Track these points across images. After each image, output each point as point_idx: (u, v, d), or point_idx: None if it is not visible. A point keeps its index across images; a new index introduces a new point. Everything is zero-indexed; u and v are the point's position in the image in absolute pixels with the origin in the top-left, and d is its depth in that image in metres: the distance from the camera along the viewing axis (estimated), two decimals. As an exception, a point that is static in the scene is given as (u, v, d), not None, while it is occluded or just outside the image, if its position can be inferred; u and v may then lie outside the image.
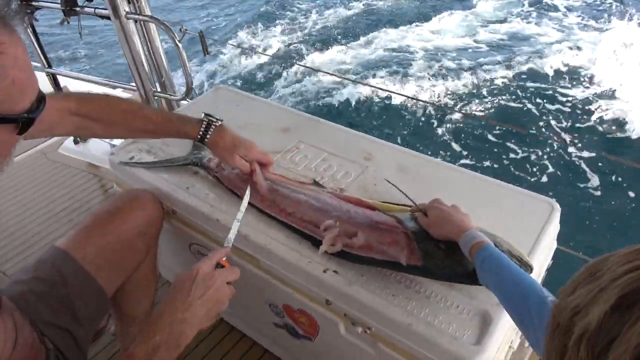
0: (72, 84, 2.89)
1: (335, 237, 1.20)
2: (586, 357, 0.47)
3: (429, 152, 5.89)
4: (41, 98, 0.83)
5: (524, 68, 7.66)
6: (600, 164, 5.43)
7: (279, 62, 8.45)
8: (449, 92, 7.30)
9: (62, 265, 1.21)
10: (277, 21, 10.36)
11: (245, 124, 1.68)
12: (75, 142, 2.88)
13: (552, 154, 5.80)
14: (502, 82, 7.35)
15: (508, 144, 6.06)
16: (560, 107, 6.73)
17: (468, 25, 9.66)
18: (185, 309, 0.94)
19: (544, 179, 5.48)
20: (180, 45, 2.09)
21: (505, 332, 1.07)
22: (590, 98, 6.83)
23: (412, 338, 1.06)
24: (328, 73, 8.04)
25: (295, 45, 9.32)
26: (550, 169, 5.62)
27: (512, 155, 5.90)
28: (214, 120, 1.34)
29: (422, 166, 1.51)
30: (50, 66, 2.62)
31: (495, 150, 6.02)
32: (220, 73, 8.47)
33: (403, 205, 1.27)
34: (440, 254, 1.10)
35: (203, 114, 1.35)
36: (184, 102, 2.34)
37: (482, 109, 6.89)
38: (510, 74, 7.54)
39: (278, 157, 1.55)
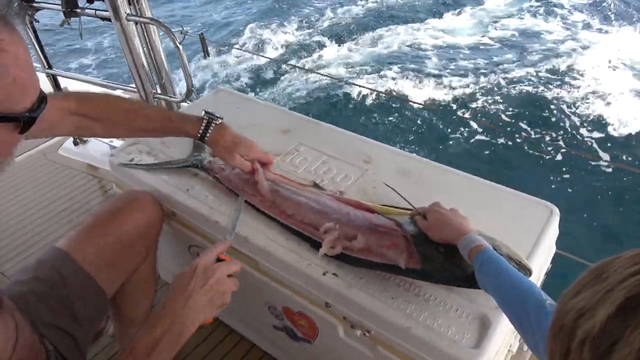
0: (72, 85, 2.89)
1: (334, 240, 1.20)
2: (589, 359, 0.47)
3: (429, 155, 5.90)
4: (42, 97, 0.83)
5: (526, 71, 7.68)
6: (600, 169, 5.44)
7: (279, 65, 8.47)
8: (448, 95, 7.31)
9: (62, 266, 1.21)
10: (278, 22, 10.38)
11: (246, 126, 1.68)
12: (75, 143, 2.88)
13: (552, 158, 5.81)
14: (503, 85, 7.36)
15: (508, 147, 6.07)
16: (561, 110, 6.74)
17: (475, 22, 9.67)
18: (185, 301, 0.96)
19: (544, 182, 5.48)
20: (180, 47, 2.10)
21: (505, 335, 1.07)
22: (593, 102, 6.83)
23: (411, 341, 1.06)
24: (328, 76, 8.05)
25: (296, 46, 9.34)
26: (550, 173, 5.62)
27: (511, 159, 5.91)
28: (214, 118, 1.33)
29: (421, 169, 1.51)
30: (50, 67, 2.62)
31: (495, 153, 6.03)
32: (221, 75, 8.48)
33: (402, 208, 1.27)
34: (439, 257, 1.10)
35: (203, 112, 1.35)
36: (184, 104, 2.35)
37: (483, 112, 6.90)
38: (510, 77, 7.55)
39: (278, 160, 1.55)
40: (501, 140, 6.16)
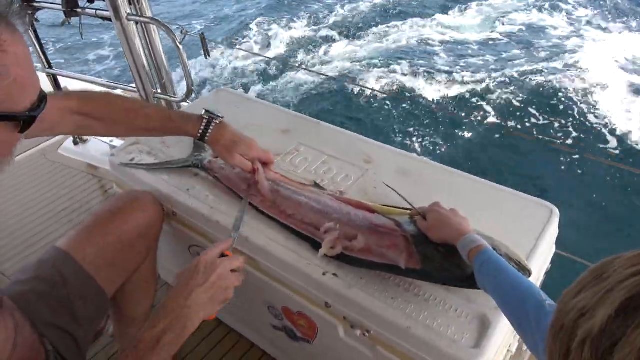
0: (73, 85, 2.89)
1: (335, 240, 1.20)
2: (590, 359, 0.47)
3: (429, 155, 5.90)
4: (42, 97, 0.83)
5: (527, 70, 7.67)
6: (600, 169, 5.44)
7: (280, 65, 8.47)
8: (450, 92, 7.31)
9: (63, 266, 1.21)
10: (280, 20, 10.38)
11: (246, 126, 1.68)
12: (75, 142, 2.88)
13: (551, 158, 5.81)
14: (503, 83, 7.36)
15: (508, 148, 6.07)
16: (561, 108, 6.74)
17: (482, 18, 9.66)
18: (187, 296, 0.98)
19: (543, 183, 5.49)
20: (181, 47, 2.10)
21: (504, 335, 1.07)
22: (592, 102, 6.83)
23: (411, 341, 1.07)
24: (328, 76, 8.05)
25: (297, 45, 9.34)
26: (550, 174, 5.62)
27: (511, 159, 5.91)
28: (215, 117, 1.33)
29: (421, 169, 1.51)
30: (51, 67, 2.62)
31: (495, 154, 6.03)
32: (221, 75, 8.48)
33: (402, 208, 1.28)
34: (438, 257, 1.10)
35: (204, 111, 1.34)
36: (184, 103, 2.35)
37: (482, 113, 6.90)
38: (510, 75, 7.54)
39: (278, 160, 1.55)
40: (500, 140, 6.16)
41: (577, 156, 5.71)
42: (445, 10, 10.35)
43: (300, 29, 9.99)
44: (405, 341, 1.08)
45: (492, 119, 6.67)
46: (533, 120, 6.63)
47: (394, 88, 7.54)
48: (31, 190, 2.61)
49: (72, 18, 2.23)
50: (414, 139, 6.43)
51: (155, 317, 0.97)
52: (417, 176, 1.48)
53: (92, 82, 2.82)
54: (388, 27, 9.74)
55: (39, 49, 2.53)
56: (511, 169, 5.75)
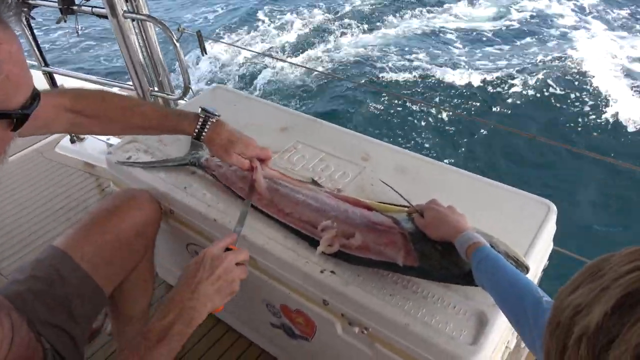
0: (69, 83, 2.88)
1: (332, 238, 1.20)
2: (586, 356, 0.47)
3: (427, 153, 5.90)
4: (36, 95, 0.82)
5: (527, 67, 7.67)
6: (597, 165, 5.44)
7: (277, 62, 8.45)
8: (445, 93, 7.31)
9: (60, 265, 1.21)
10: (277, 17, 10.35)
11: (243, 124, 1.68)
12: (72, 141, 2.87)
13: (549, 155, 5.82)
14: (501, 84, 7.36)
15: (506, 145, 6.08)
16: (557, 108, 6.75)
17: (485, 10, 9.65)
18: (194, 289, 1.00)
19: (541, 179, 5.50)
20: (177, 44, 2.09)
21: (502, 332, 1.07)
22: (590, 99, 6.84)
23: (409, 338, 1.07)
24: (326, 73, 8.05)
25: (295, 43, 9.32)
26: (547, 170, 5.63)
27: (509, 156, 5.92)
28: (211, 116, 1.31)
29: (419, 167, 1.51)
30: (47, 65, 2.61)
31: (493, 150, 6.04)
32: (218, 72, 8.46)
33: (400, 205, 1.27)
34: (436, 255, 1.10)
35: (200, 109, 1.33)
36: (181, 101, 2.34)
37: (480, 110, 6.90)
38: (509, 74, 7.55)
39: (276, 157, 1.55)
40: (499, 138, 6.16)
41: (575, 152, 5.71)
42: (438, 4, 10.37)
43: (299, 25, 9.96)
44: (403, 338, 1.08)
45: (488, 116, 6.67)
46: (531, 116, 6.64)
47: (393, 86, 7.54)
48: (28, 188, 2.61)
49: (68, 15, 2.22)
50: (412, 136, 6.43)
51: (163, 309, 0.99)
52: (414, 173, 1.48)
53: (89, 80, 2.81)
54: (381, 23, 9.74)
55: (34, 47, 2.52)
56: (508, 166, 5.76)
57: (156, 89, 2.35)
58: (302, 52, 8.95)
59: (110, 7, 2.05)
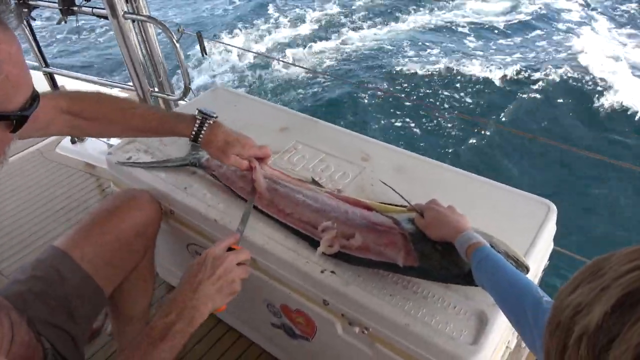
0: (70, 84, 2.88)
1: (333, 239, 1.20)
2: (587, 356, 0.47)
3: (427, 153, 5.89)
4: (35, 96, 0.82)
5: (528, 64, 7.67)
6: (597, 166, 5.44)
7: (277, 62, 8.45)
8: (444, 92, 7.31)
9: (60, 265, 1.21)
10: (276, 18, 10.35)
11: (243, 124, 1.68)
12: (73, 141, 2.87)
13: (549, 155, 5.81)
14: (499, 83, 7.36)
15: (506, 145, 6.08)
16: (557, 107, 6.74)
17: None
18: (195, 288, 1.01)
19: (541, 179, 5.49)
20: (178, 45, 2.10)
21: (502, 332, 1.07)
22: (590, 97, 6.84)
23: (409, 338, 1.07)
24: (326, 74, 8.06)
25: (294, 43, 9.32)
26: (547, 170, 5.63)
27: (509, 156, 5.92)
28: (208, 117, 1.31)
29: (419, 167, 1.51)
30: (47, 65, 2.61)
31: (493, 151, 6.04)
32: (218, 73, 8.46)
33: (400, 206, 1.28)
34: (436, 255, 1.10)
35: (197, 111, 1.32)
36: (181, 102, 2.34)
37: (480, 109, 6.90)
38: (509, 71, 7.54)
39: (276, 158, 1.55)
40: (499, 138, 6.16)
41: (575, 152, 5.71)
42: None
43: (299, 23, 9.96)
44: (403, 338, 1.08)
45: (489, 116, 6.67)
46: (531, 116, 6.64)
47: (393, 85, 7.54)
48: (28, 189, 2.61)
49: (69, 16, 2.22)
50: (412, 136, 6.43)
51: (165, 308, 1.00)
52: (414, 174, 1.48)
53: (89, 81, 2.82)
54: (381, 21, 9.75)
55: (35, 48, 2.52)
56: (508, 166, 5.76)
57: (156, 89, 2.35)
58: (302, 51, 8.94)
59: (111, 8, 2.05)
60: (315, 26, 9.93)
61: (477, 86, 7.33)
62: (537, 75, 7.37)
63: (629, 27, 8.80)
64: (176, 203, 1.45)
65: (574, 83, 7.15)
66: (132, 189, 1.47)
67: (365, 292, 1.13)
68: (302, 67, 8.53)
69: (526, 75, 7.43)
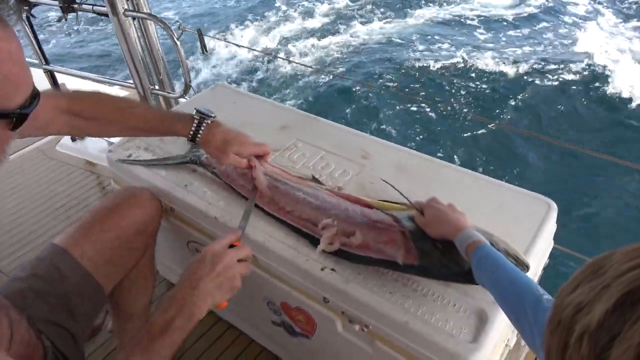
0: (70, 81, 2.88)
1: (333, 236, 1.20)
2: (588, 354, 0.47)
3: (427, 150, 5.89)
4: (35, 94, 0.82)
5: (528, 61, 7.65)
6: (597, 164, 5.44)
7: (278, 60, 8.44)
8: (444, 89, 7.30)
9: (60, 263, 1.21)
10: (276, 15, 10.33)
11: (243, 122, 1.68)
12: (73, 139, 2.87)
13: (549, 153, 5.81)
14: (501, 79, 7.35)
15: (506, 142, 6.07)
16: (556, 106, 6.74)
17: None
18: (194, 285, 1.01)
19: (541, 177, 5.49)
20: (178, 42, 2.09)
21: (502, 330, 1.08)
22: (589, 95, 6.82)
23: (409, 336, 1.07)
24: (326, 71, 8.04)
25: (295, 40, 9.31)
26: (548, 168, 5.63)
27: (509, 154, 5.92)
28: (206, 117, 1.30)
29: (419, 165, 1.51)
30: (47, 63, 2.61)
31: (493, 148, 6.03)
32: (219, 71, 8.45)
33: (400, 203, 1.28)
34: (436, 253, 1.10)
35: (195, 111, 1.32)
36: (182, 99, 2.34)
37: (480, 107, 6.90)
38: (507, 70, 7.53)
39: (276, 155, 1.55)
40: (499, 136, 6.16)
41: (575, 151, 5.71)
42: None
43: (298, 22, 9.94)
44: (403, 336, 1.08)
45: (489, 114, 6.66)
46: (531, 113, 6.63)
47: (392, 83, 7.53)
48: (29, 187, 2.61)
49: (69, 14, 2.22)
50: (412, 134, 6.43)
51: (165, 304, 1.01)
52: (414, 171, 1.48)
53: (90, 79, 2.81)
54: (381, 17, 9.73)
55: (35, 45, 2.52)
56: (509, 164, 5.76)
57: (157, 87, 2.35)
58: (306, 47, 8.93)
59: (111, 6, 2.05)
60: (320, 21, 9.91)
61: (477, 83, 7.32)
62: (537, 73, 7.36)
63: (636, 19, 8.76)
64: (176, 201, 1.45)
65: (577, 80, 7.14)
66: (132, 187, 1.47)
67: (366, 290, 1.13)
68: (303, 65, 8.51)
69: (527, 72, 7.42)
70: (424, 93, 7.23)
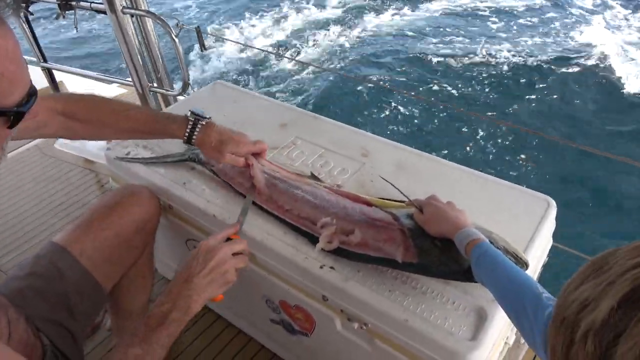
0: (68, 79, 2.87)
1: (332, 235, 1.20)
2: (593, 351, 0.47)
3: (426, 148, 5.88)
4: (32, 92, 0.82)
5: (528, 60, 7.64)
6: (596, 161, 5.44)
7: (277, 57, 8.42)
8: (443, 87, 7.29)
9: (60, 261, 1.21)
10: (275, 12, 10.30)
11: (242, 120, 1.68)
12: (71, 137, 2.86)
13: (548, 151, 5.81)
14: (496, 80, 7.34)
15: (505, 140, 6.07)
16: (556, 104, 6.73)
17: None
18: (187, 282, 1.04)
19: (540, 175, 5.49)
20: (177, 40, 2.09)
21: (501, 328, 1.08)
22: (593, 92, 6.82)
23: (408, 334, 1.07)
24: (326, 69, 8.04)
25: (294, 38, 9.29)
26: (547, 166, 5.63)
27: (508, 152, 5.91)
28: (200, 118, 1.30)
29: (418, 163, 1.51)
30: (45, 60, 2.60)
31: (492, 146, 6.03)
32: (217, 68, 8.44)
33: (400, 201, 1.27)
34: (435, 251, 1.10)
35: (189, 112, 1.31)
36: (180, 97, 2.34)
37: (479, 106, 6.89)
38: (506, 69, 7.52)
39: (275, 153, 1.55)
40: (499, 134, 6.15)
41: (574, 148, 5.70)
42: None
43: (297, 19, 9.92)
44: (402, 334, 1.08)
45: (488, 112, 6.66)
46: (530, 113, 6.63)
47: (392, 81, 7.52)
48: (27, 185, 2.61)
49: (67, 12, 2.22)
50: (412, 132, 6.42)
51: (161, 298, 1.04)
52: (414, 169, 1.48)
53: (88, 76, 2.81)
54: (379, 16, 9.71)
55: (33, 43, 2.51)
56: (508, 162, 5.76)
57: (155, 85, 2.35)
58: (301, 47, 8.91)
59: (109, 3, 2.04)
60: (319, 17, 9.87)
61: (477, 81, 7.32)
62: (538, 70, 7.35)
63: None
64: (175, 198, 1.45)
65: (578, 77, 7.13)
66: (131, 185, 1.46)
67: (365, 288, 1.13)
68: (303, 62, 8.50)
69: (527, 71, 7.41)
70: (422, 89, 7.22)
